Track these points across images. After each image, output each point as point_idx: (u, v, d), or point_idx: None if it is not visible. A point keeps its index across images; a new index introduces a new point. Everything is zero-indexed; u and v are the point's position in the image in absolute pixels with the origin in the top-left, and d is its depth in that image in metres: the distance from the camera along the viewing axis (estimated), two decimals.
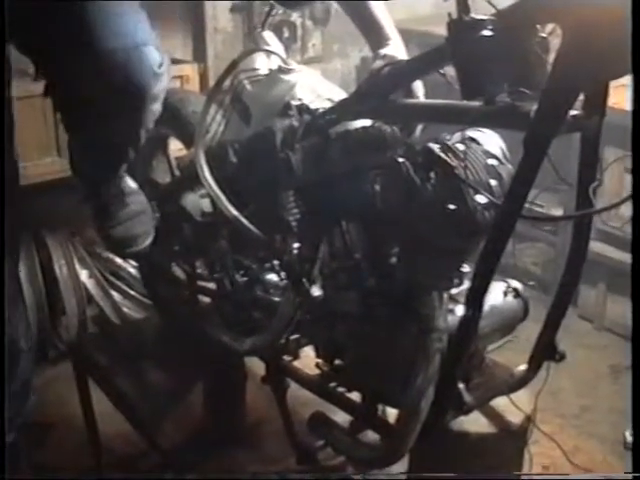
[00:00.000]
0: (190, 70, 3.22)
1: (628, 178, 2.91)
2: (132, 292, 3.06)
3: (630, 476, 1.48)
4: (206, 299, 2.32)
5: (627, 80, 2.78)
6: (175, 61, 3.32)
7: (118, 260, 3.11)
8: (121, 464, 2.36)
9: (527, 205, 1.39)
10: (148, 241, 2.19)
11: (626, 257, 3.11)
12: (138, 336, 2.64)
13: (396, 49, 1.83)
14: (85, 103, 1.81)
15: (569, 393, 2.83)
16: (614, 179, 2.90)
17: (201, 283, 2.32)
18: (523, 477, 1.94)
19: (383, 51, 1.81)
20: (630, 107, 1.33)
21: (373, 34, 1.87)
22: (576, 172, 1.53)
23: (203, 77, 3.29)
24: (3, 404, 1.81)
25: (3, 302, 1.81)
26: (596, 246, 3.10)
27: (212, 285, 2.23)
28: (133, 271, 3.01)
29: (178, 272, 2.40)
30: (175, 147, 2.46)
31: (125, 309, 3.06)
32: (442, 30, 1.40)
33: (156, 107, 1.87)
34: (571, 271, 1.70)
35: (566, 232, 2.33)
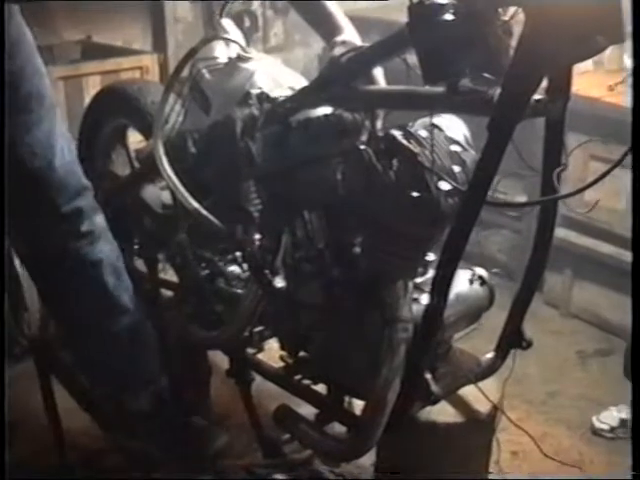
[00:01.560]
0: (149, 61, 3.17)
1: (592, 164, 2.91)
2: None
3: (629, 476, 1.48)
4: (168, 292, 2.29)
5: (590, 66, 2.80)
6: (134, 52, 3.28)
7: None
8: (86, 461, 2.32)
9: (490, 192, 1.38)
10: None
11: (591, 243, 3.14)
12: None
13: (352, 36, 1.80)
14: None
15: (536, 380, 2.83)
16: (578, 165, 2.90)
17: (163, 276, 2.29)
18: (519, 477, 1.94)
19: (341, 38, 1.77)
20: (629, 104, 1.33)
21: (325, 25, 1.83)
22: (540, 158, 1.52)
23: (163, 67, 3.25)
24: (3, 403, 1.78)
25: (3, 299, 1.79)
26: (561, 232, 3.10)
27: (174, 278, 2.20)
28: None
29: (139, 265, 2.37)
30: (135, 139, 2.43)
31: None
32: (404, 17, 1.38)
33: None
34: (537, 257, 1.69)
35: (531, 218, 2.32)
